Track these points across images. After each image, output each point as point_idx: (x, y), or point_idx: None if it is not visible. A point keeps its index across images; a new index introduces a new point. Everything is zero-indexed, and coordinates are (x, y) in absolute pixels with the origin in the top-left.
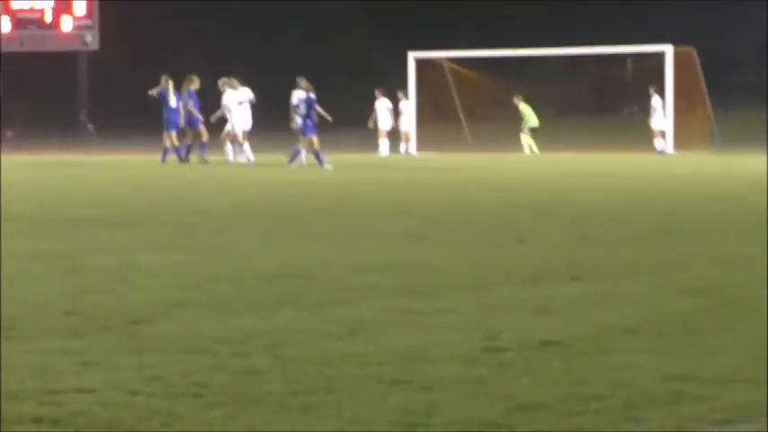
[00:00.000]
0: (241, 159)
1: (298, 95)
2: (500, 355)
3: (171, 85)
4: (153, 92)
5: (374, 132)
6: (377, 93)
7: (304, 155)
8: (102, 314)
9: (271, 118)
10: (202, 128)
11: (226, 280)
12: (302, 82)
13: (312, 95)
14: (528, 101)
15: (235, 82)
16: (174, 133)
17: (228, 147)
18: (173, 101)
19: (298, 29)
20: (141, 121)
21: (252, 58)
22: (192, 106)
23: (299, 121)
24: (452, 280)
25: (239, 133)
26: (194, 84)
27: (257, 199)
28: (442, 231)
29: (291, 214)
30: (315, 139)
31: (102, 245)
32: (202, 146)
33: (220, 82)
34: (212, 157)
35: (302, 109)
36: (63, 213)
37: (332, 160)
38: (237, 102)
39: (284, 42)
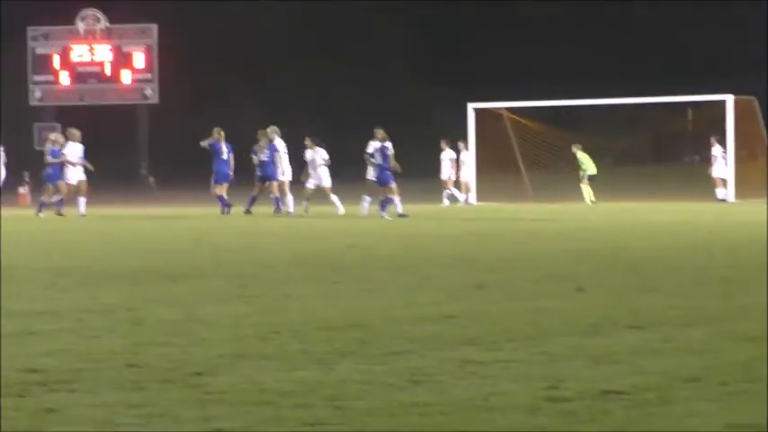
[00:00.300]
0: (286, 209)
1: (374, 145)
2: (562, 405)
3: (222, 136)
4: (205, 143)
5: (439, 183)
6: (442, 144)
7: (397, 201)
8: (164, 366)
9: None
10: (280, 180)
11: (287, 331)
12: (378, 132)
13: (387, 145)
14: (587, 150)
15: (310, 142)
16: (225, 184)
17: (289, 198)
18: (224, 152)
19: (356, 82)
20: (202, 173)
21: (310, 111)
22: (278, 158)
23: (373, 171)
24: (513, 329)
25: (287, 182)
26: (270, 136)
27: (318, 250)
28: (502, 281)
29: (352, 265)
30: (393, 187)
31: (163, 297)
32: (276, 199)
33: (269, 129)
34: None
35: (377, 158)
36: (124, 266)
37: (393, 210)
38: (321, 161)
39: (343, 95)
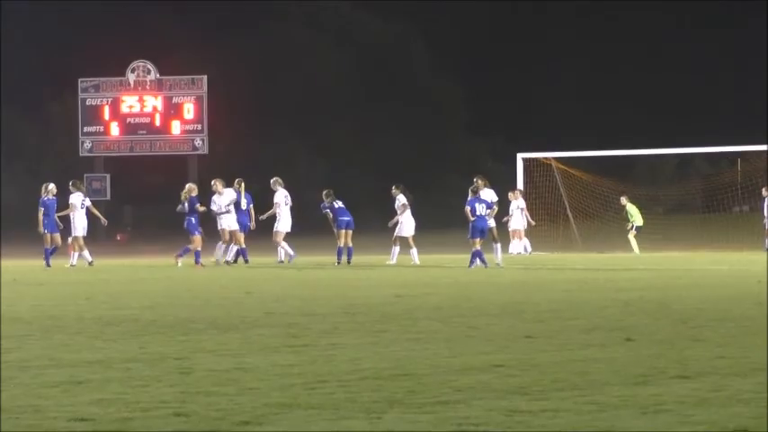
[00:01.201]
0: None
1: (484, 195)
2: None
3: (243, 187)
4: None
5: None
6: (515, 193)
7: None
8: (212, 416)
9: (373, 221)
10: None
11: (334, 381)
12: (479, 180)
13: (484, 197)
14: (635, 200)
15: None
16: (243, 235)
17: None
18: (243, 203)
19: (406, 136)
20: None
21: (366, 166)
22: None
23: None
24: (561, 379)
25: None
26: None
27: (366, 300)
28: (551, 330)
29: (400, 315)
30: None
31: (211, 347)
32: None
33: (272, 181)
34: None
35: (479, 210)
36: (172, 316)
37: (441, 261)
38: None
39: (392, 149)
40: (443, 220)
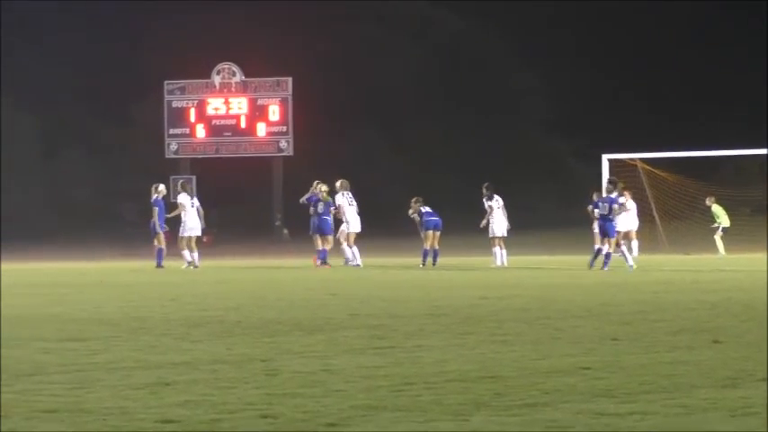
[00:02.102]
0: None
1: (605, 198)
2: None
3: (320, 189)
4: (303, 199)
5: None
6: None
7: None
8: (298, 417)
9: (455, 222)
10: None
11: (421, 383)
12: (612, 184)
13: (614, 197)
14: (722, 201)
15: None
16: (319, 238)
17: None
18: (321, 207)
19: (489, 138)
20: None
21: (451, 165)
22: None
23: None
24: (648, 381)
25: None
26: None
27: (451, 302)
28: (638, 332)
29: (486, 317)
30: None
31: (297, 348)
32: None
33: (337, 184)
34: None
35: (603, 209)
36: (258, 317)
37: (530, 261)
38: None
39: (478, 147)
40: (527, 221)
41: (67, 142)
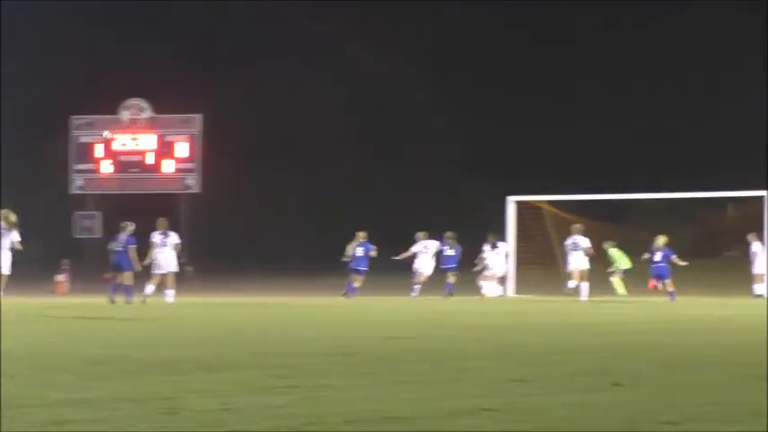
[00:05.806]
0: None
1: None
2: None
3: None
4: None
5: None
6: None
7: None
8: None
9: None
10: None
11: (320, 424)
12: (575, 228)
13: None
14: (626, 244)
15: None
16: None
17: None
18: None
19: (401, 177)
20: (239, 263)
21: (355, 204)
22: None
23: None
24: (549, 422)
25: None
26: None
27: (357, 340)
28: (539, 374)
29: (390, 357)
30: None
31: (199, 387)
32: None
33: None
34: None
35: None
36: (161, 355)
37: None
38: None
39: (388, 189)
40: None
41: None
